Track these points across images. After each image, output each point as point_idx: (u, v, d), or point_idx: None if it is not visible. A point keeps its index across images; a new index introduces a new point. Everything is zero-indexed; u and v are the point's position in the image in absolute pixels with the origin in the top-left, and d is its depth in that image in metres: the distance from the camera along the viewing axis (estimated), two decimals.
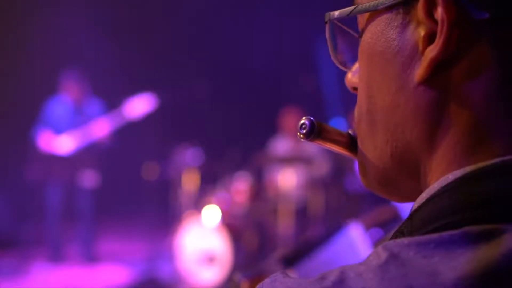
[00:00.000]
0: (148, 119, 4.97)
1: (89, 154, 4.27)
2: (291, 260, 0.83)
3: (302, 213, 4.60)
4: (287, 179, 4.40)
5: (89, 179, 4.30)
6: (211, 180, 4.90)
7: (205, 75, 5.86)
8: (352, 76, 0.51)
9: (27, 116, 5.07)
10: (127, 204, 6.90)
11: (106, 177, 4.95)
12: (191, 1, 7.27)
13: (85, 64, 5.68)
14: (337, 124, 5.87)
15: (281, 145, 4.96)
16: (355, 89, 0.50)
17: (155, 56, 7.27)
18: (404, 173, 0.45)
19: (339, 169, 4.82)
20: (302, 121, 0.51)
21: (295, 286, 0.37)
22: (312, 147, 4.85)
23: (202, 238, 4.20)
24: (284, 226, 4.31)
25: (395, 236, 0.40)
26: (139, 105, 4.65)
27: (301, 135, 0.51)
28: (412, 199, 0.44)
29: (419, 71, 0.40)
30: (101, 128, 4.56)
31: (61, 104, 4.75)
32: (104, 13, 6.55)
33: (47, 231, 4.81)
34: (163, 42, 7.36)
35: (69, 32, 6.25)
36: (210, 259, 4.12)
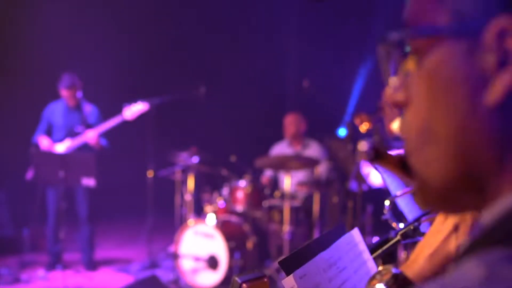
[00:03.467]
0: (148, 124, 4.97)
1: (88, 158, 4.27)
2: (292, 264, 0.82)
3: (302, 216, 4.60)
4: (288, 182, 4.39)
5: (88, 184, 4.29)
6: (211, 184, 4.89)
7: (205, 78, 5.87)
8: (395, 92, 0.52)
9: (27, 120, 5.07)
10: (127, 209, 6.89)
11: (106, 182, 4.95)
12: (192, 4, 7.29)
13: (84, 68, 5.70)
14: (341, 133, 5.87)
15: (282, 149, 4.97)
16: (397, 105, 0.51)
17: (156, 60, 7.28)
18: (470, 190, 0.45)
19: (340, 172, 4.82)
20: (364, 146, 0.53)
21: None
22: (313, 151, 4.86)
23: (202, 242, 4.19)
24: (284, 229, 4.31)
25: (475, 247, 0.40)
26: (135, 111, 4.65)
27: (366, 159, 0.52)
28: (470, 211, 0.46)
29: (491, 96, 0.41)
30: (93, 134, 4.56)
31: (58, 109, 4.77)
32: (103, 17, 6.57)
33: (47, 236, 4.81)
34: (162, 46, 7.37)
35: (70, 37, 6.26)
36: (210, 262, 4.12)
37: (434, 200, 0.49)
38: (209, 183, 4.92)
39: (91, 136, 4.55)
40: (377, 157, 0.53)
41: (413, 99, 0.48)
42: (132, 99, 4.76)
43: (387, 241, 1.19)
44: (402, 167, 0.54)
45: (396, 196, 1.22)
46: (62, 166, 4.18)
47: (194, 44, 7.35)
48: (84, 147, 4.63)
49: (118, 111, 4.68)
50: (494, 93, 0.41)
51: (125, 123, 4.76)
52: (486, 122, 0.42)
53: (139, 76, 6.91)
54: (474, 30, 0.42)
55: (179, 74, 6.80)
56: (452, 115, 0.44)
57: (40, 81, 5.47)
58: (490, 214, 0.42)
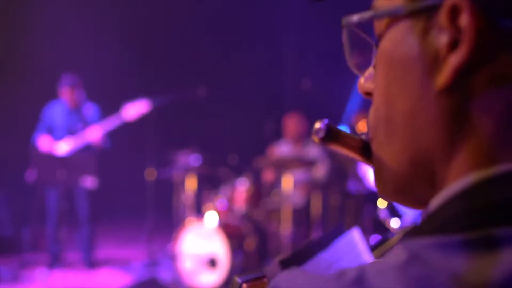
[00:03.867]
0: (148, 124, 4.97)
1: (89, 158, 4.27)
2: (291, 264, 0.82)
3: (302, 216, 4.60)
4: (288, 182, 4.39)
5: (89, 183, 4.29)
6: (211, 184, 4.89)
7: (206, 79, 5.87)
8: (365, 81, 0.51)
9: (28, 119, 5.06)
10: (127, 209, 6.89)
11: (106, 182, 4.95)
12: (191, 5, 7.29)
13: (84, 69, 5.68)
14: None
15: (282, 149, 4.97)
16: (368, 94, 0.50)
17: (157, 60, 7.27)
18: (421, 179, 0.44)
19: (340, 172, 4.82)
20: (317, 125, 0.51)
21: (313, 281, 0.37)
22: (313, 151, 4.86)
23: (202, 242, 4.19)
24: (284, 229, 4.31)
25: (413, 235, 0.40)
26: (136, 110, 4.66)
27: (316, 139, 0.50)
28: (427, 205, 0.43)
29: (441, 78, 0.40)
30: (97, 132, 4.57)
31: (58, 109, 4.77)
32: (104, 17, 6.56)
33: (47, 236, 4.81)
34: (163, 46, 7.36)
35: (70, 37, 6.26)
36: (210, 262, 4.12)
37: (388, 189, 0.48)
38: (209, 183, 4.92)
39: (94, 134, 4.55)
40: (330, 137, 0.51)
41: (376, 83, 0.47)
42: (133, 100, 4.77)
43: (386, 241, 1.19)
44: (362, 151, 0.52)
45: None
46: (62, 167, 4.19)
47: (195, 44, 7.34)
48: (86, 148, 4.63)
49: (117, 111, 4.68)
50: (443, 75, 0.40)
51: (126, 123, 4.76)
52: (435, 106, 0.41)
53: (139, 76, 6.91)
54: (428, 9, 0.40)
55: (180, 74, 6.79)
56: (404, 98, 0.43)
57: (40, 81, 5.46)
58: (433, 203, 0.41)
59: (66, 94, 4.68)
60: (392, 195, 0.48)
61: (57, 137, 4.68)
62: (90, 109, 4.80)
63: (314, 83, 5.15)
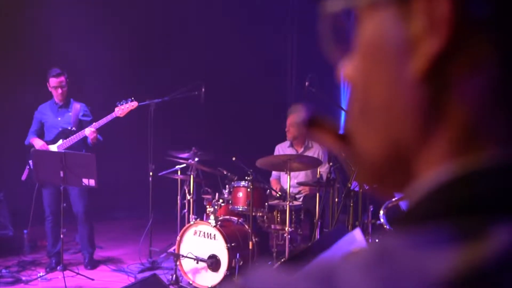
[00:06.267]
0: (149, 124, 4.97)
1: (89, 159, 4.24)
2: (293, 265, 0.81)
3: (304, 217, 4.59)
4: (289, 182, 4.38)
5: (89, 184, 4.27)
6: (212, 184, 4.88)
7: (207, 78, 5.87)
8: (347, 67, 0.50)
9: (28, 119, 5.06)
10: (128, 209, 6.89)
11: (107, 182, 4.94)
12: (192, 4, 7.28)
13: (84, 68, 5.68)
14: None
15: (284, 151, 4.97)
16: (350, 80, 0.50)
17: (156, 59, 7.27)
18: (397, 169, 0.44)
19: (341, 172, 4.81)
20: (300, 108, 0.51)
21: (281, 280, 0.37)
22: (315, 152, 4.85)
23: (203, 242, 4.18)
24: (286, 229, 4.29)
25: (391, 231, 0.39)
26: (125, 109, 4.64)
27: (298, 122, 0.51)
28: (404, 192, 0.44)
29: (416, 66, 0.39)
30: (95, 129, 4.55)
31: (48, 109, 4.78)
32: (103, 16, 6.56)
33: (47, 237, 4.81)
34: (163, 45, 7.36)
35: (71, 36, 6.25)
36: (211, 263, 4.11)
37: (367, 176, 0.48)
38: (210, 183, 4.91)
39: (89, 132, 4.54)
40: (312, 119, 0.51)
41: (355, 70, 0.47)
42: (133, 99, 4.77)
43: None
44: (342, 139, 0.52)
45: (390, 202, 1.21)
46: (62, 166, 4.17)
47: (195, 43, 7.34)
48: (78, 144, 4.63)
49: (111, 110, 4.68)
50: (419, 63, 0.39)
51: (126, 124, 4.75)
52: (410, 94, 0.40)
53: (140, 76, 6.91)
54: None
55: (179, 74, 6.79)
56: (381, 86, 0.42)
57: (40, 81, 5.45)
58: (413, 196, 0.40)
59: (55, 85, 4.68)
60: (370, 180, 0.48)
61: (49, 137, 4.69)
62: (78, 107, 4.78)
63: (318, 84, 5.14)
